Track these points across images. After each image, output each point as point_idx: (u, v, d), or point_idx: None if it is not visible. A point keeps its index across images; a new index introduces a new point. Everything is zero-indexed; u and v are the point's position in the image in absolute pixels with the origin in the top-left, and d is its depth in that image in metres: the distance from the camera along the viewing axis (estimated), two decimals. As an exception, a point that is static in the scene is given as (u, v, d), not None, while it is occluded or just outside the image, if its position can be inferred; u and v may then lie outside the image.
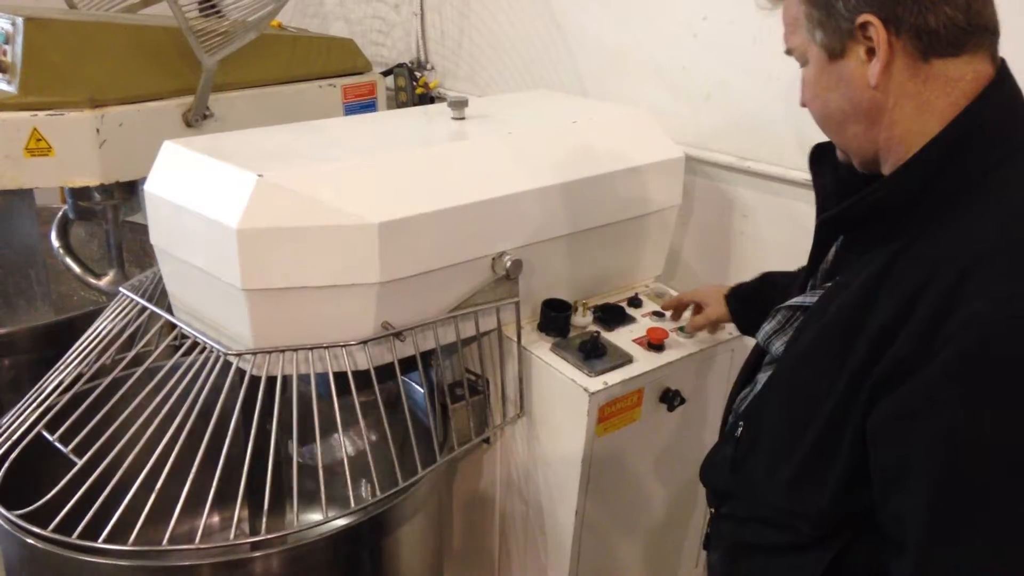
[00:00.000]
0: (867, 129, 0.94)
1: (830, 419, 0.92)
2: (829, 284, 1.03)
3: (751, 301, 1.55)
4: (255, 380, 1.42)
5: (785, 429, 1.00)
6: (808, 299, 1.05)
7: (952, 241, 0.86)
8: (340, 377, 1.44)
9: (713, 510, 1.20)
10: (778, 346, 1.08)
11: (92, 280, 2.23)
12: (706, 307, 1.64)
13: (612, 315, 1.74)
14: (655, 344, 1.66)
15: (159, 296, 1.63)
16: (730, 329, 1.77)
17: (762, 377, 1.13)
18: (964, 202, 0.87)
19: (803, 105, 1.03)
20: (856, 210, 0.95)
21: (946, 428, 0.80)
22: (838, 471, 0.92)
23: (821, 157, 1.11)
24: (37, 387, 1.54)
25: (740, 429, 1.09)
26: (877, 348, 0.86)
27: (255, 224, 1.34)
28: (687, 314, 1.73)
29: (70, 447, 1.38)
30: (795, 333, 1.04)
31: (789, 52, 1.01)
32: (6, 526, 1.32)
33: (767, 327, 1.11)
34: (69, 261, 2.24)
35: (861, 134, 0.95)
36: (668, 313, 1.76)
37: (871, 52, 0.89)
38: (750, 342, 1.94)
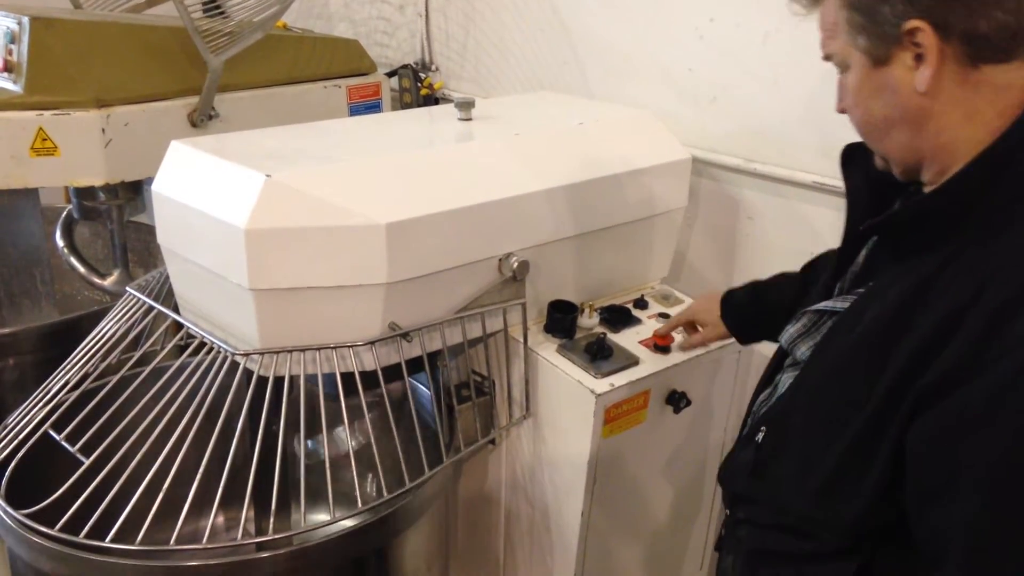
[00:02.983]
0: (912, 137, 0.92)
1: (865, 430, 0.90)
2: (860, 290, 1.01)
3: (747, 315, 1.52)
4: (262, 380, 1.42)
5: (814, 438, 0.98)
6: (838, 304, 1.03)
7: (1004, 253, 0.84)
8: (347, 377, 1.44)
9: (729, 512, 1.19)
10: (804, 351, 1.06)
11: (96, 280, 2.22)
12: (703, 327, 1.60)
13: (618, 317, 1.74)
14: (661, 346, 1.66)
15: (165, 296, 1.63)
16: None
17: (784, 380, 1.11)
18: (1018, 212, 0.85)
19: (840, 111, 1.00)
20: (905, 217, 0.93)
21: (998, 441, 0.79)
22: (872, 483, 0.90)
23: (852, 158, 1.09)
24: (43, 386, 1.54)
25: (761, 434, 1.07)
26: (921, 359, 0.85)
27: (263, 224, 1.33)
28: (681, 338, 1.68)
29: (77, 446, 1.38)
30: (823, 339, 1.02)
31: (827, 58, 0.98)
32: (13, 525, 1.32)
33: (791, 329, 1.09)
34: (73, 261, 2.24)
35: (905, 142, 0.93)
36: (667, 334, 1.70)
37: (919, 58, 0.87)
38: (757, 345, 1.94)
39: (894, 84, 0.90)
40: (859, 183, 1.07)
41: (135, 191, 2.11)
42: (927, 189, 0.96)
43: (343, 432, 1.41)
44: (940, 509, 0.84)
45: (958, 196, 0.89)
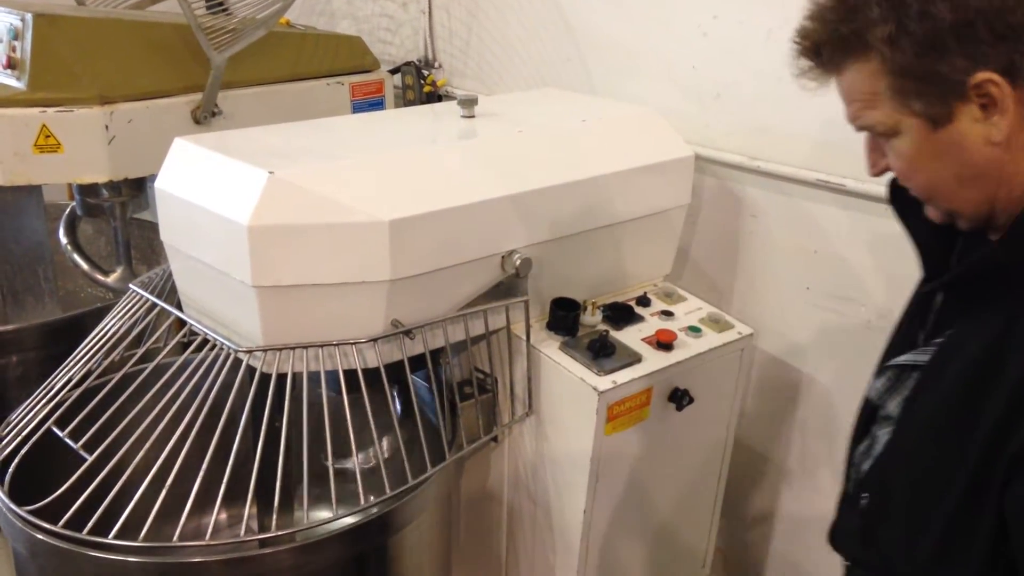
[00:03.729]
0: (985, 190, 0.88)
1: (966, 494, 0.87)
2: (940, 339, 0.98)
3: None
4: (265, 377, 1.42)
5: (916, 503, 0.95)
6: (920, 357, 0.99)
7: None
8: (350, 375, 1.44)
9: (848, 564, 1.15)
10: (893, 406, 1.02)
11: (100, 277, 2.23)
12: None
13: (621, 314, 1.74)
14: (664, 343, 1.66)
15: (168, 293, 1.63)
16: (739, 328, 1.77)
17: (880, 434, 1.07)
18: None
19: (877, 174, 0.97)
20: (970, 276, 0.91)
21: None
22: (982, 548, 0.87)
23: (904, 201, 1.03)
24: (47, 383, 1.54)
25: (864, 500, 1.04)
26: (1009, 419, 0.82)
27: (266, 221, 1.34)
28: None
29: (80, 443, 1.38)
30: (912, 394, 0.99)
31: (862, 129, 0.94)
32: (17, 522, 1.32)
33: (877, 384, 1.06)
34: (77, 258, 2.24)
35: (977, 196, 0.89)
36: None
37: (984, 107, 0.84)
38: (759, 341, 1.94)
39: (960, 140, 0.86)
40: (924, 229, 1.02)
41: (138, 188, 2.11)
42: (994, 236, 0.94)
43: (346, 429, 1.41)
44: None
45: (1021, 246, 0.86)
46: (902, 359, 1.03)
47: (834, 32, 0.90)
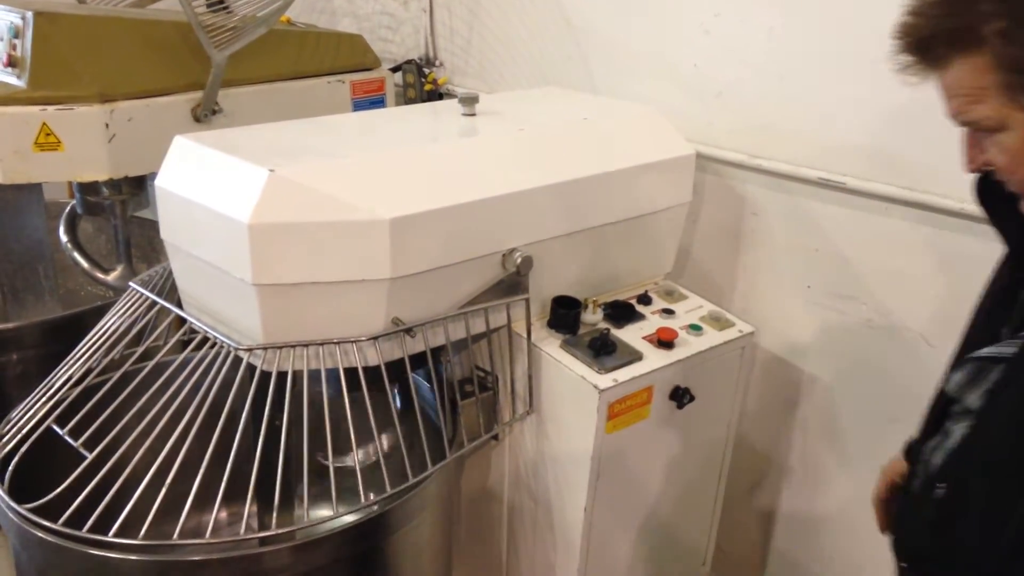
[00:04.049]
0: None
1: None
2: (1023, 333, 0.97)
3: None
4: (265, 376, 1.42)
5: (996, 496, 0.94)
6: (1004, 350, 0.98)
7: None
8: (350, 373, 1.44)
9: (904, 565, 1.13)
10: (973, 399, 1.01)
11: (100, 275, 2.23)
12: None
13: (622, 312, 1.73)
14: (665, 342, 1.66)
15: (168, 291, 1.63)
16: (740, 327, 1.77)
17: (955, 428, 1.05)
18: None
19: (975, 170, 0.97)
20: None
21: None
22: None
23: (992, 194, 1.03)
24: (46, 381, 1.54)
25: (941, 491, 1.02)
26: None
27: (266, 219, 1.33)
28: None
29: (80, 441, 1.38)
30: (995, 387, 0.97)
31: (965, 124, 0.94)
32: (16, 520, 1.32)
33: (956, 377, 1.04)
34: (77, 256, 2.24)
35: None
36: None
37: None
38: (760, 339, 1.94)
39: None
40: (1014, 224, 1.02)
41: (139, 186, 2.11)
42: None
43: (346, 427, 1.41)
44: None
45: None
46: (985, 352, 1.01)
47: (942, 27, 0.89)
